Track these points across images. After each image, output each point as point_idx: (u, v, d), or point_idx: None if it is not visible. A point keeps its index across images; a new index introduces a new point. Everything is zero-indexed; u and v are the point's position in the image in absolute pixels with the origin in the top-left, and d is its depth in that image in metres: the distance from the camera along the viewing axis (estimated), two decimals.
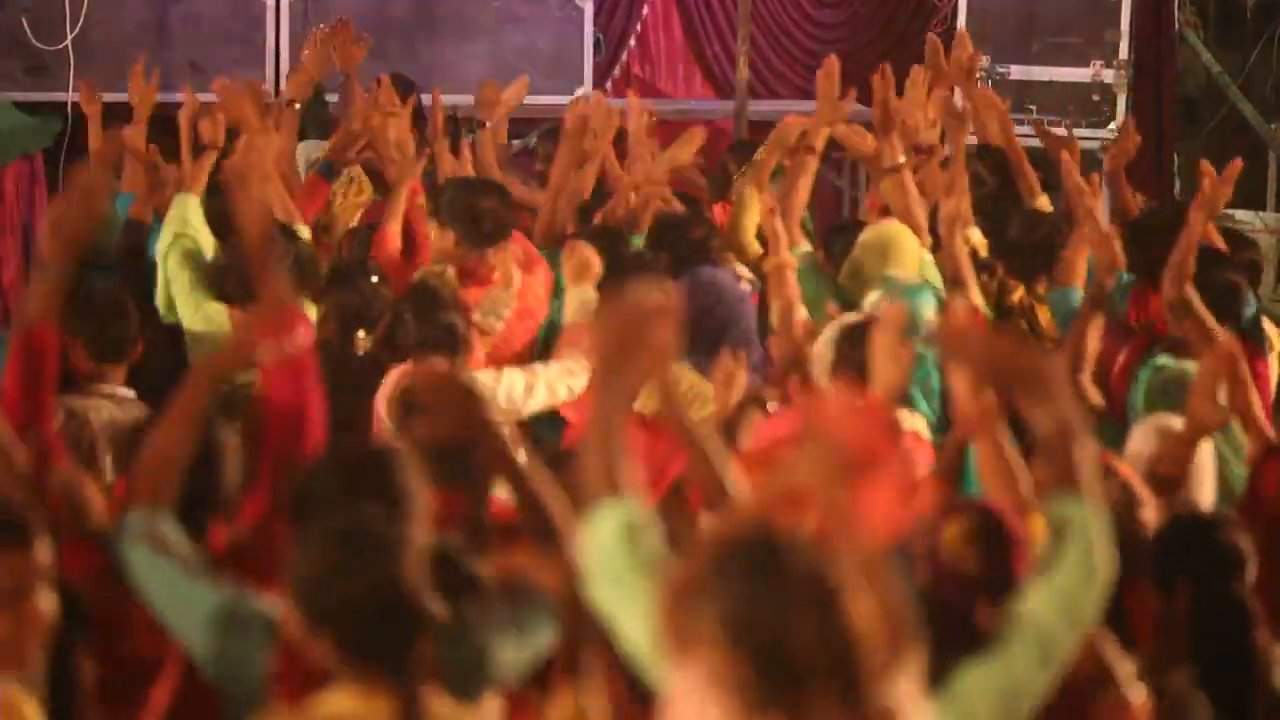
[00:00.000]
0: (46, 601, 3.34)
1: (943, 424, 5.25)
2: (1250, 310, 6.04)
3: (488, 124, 7.93)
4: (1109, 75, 11.06)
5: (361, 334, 5.84)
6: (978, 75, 8.26)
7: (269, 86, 9.69)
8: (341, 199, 7.24)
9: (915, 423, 5.17)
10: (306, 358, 4.00)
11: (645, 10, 11.84)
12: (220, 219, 6.80)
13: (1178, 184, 11.38)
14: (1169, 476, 4.64)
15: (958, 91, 8.13)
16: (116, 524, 3.76)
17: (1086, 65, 11.10)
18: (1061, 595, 3.12)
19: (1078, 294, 6.14)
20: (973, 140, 7.60)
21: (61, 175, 9.33)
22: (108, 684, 3.60)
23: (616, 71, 11.77)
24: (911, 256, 6.35)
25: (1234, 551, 4.08)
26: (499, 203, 6.47)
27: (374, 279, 6.12)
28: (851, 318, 5.40)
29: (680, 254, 6.48)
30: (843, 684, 2.43)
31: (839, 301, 6.14)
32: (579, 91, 9.88)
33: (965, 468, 4.40)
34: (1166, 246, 5.74)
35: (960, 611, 3.53)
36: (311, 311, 5.88)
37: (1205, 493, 4.79)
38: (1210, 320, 5.55)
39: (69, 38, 10.15)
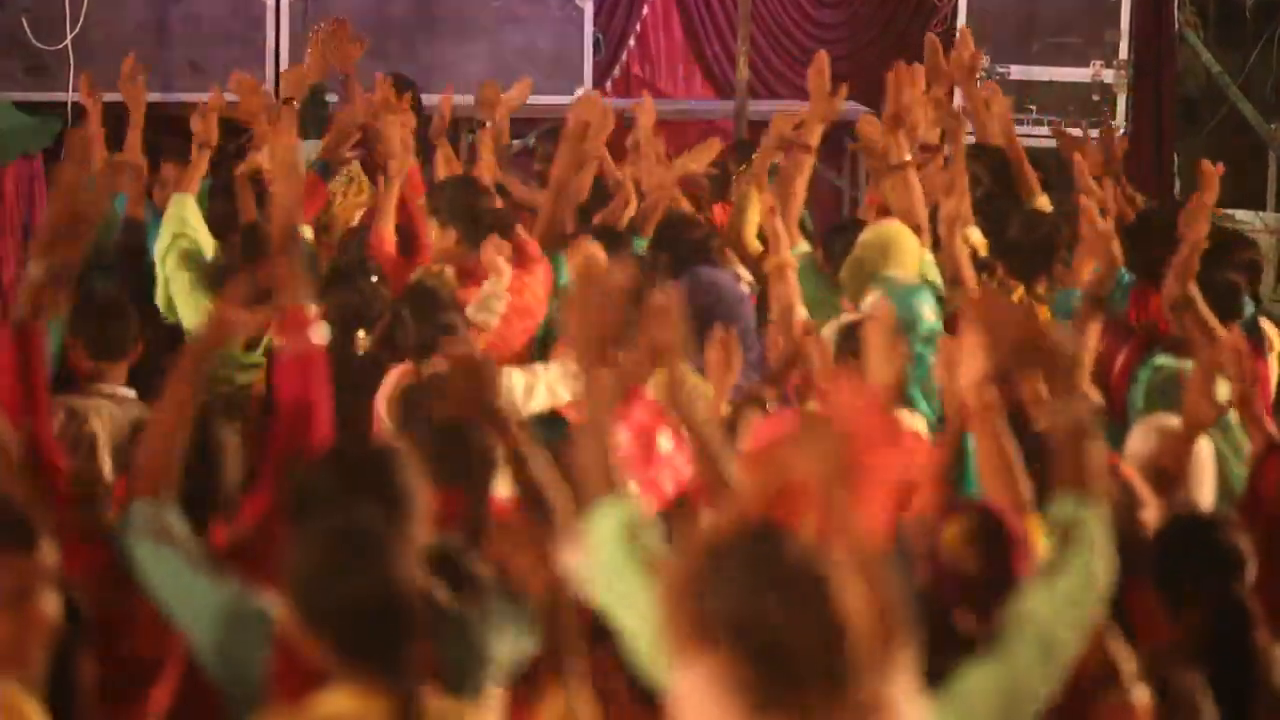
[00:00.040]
0: (50, 603, 3.34)
1: (943, 424, 5.25)
2: (1250, 310, 6.04)
3: (488, 124, 7.93)
4: (1109, 75, 11.07)
5: (361, 334, 5.84)
6: (978, 75, 8.25)
7: (269, 86, 9.69)
8: (341, 199, 7.25)
9: (915, 423, 5.17)
10: (318, 356, 4.01)
11: (645, 10, 11.84)
12: (221, 219, 6.82)
13: (1178, 184, 11.38)
14: (1168, 472, 4.64)
15: (958, 91, 8.13)
16: (121, 517, 3.76)
17: (1086, 65, 11.10)
18: (1065, 598, 3.13)
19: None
20: (969, 140, 7.60)
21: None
22: (108, 684, 3.60)
23: (616, 71, 11.78)
24: (911, 256, 6.35)
25: (1234, 551, 4.08)
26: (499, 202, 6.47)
27: (374, 279, 6.12)
28: (850, 317, 5.40)
29: (680, 254, 6.48)
30: (840, 682, 2.43)
31: (837, 302, 6.15)
32: (579, 92, 9.87)
33: (965, 468, 4.40)
34: (1166, 246, 5.75)
35: (960, 612, 3.53)
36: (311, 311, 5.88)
37: (1205, 493, 4.79)
38: (1212, 319, 5.56)
39: (69, 38, 10.15)
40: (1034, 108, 10.78)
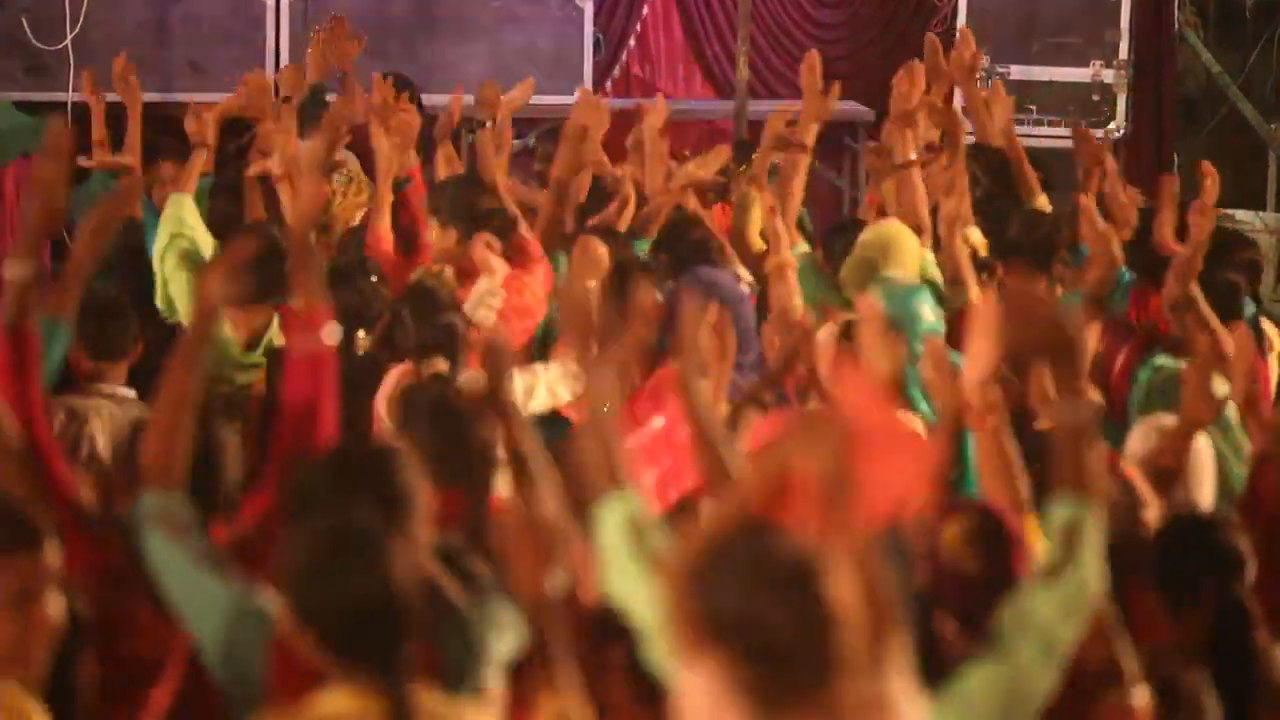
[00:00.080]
0: (54, 604, 3.34)
1: None
2: (1250, 310, 6.04)
3: (488, 124, 7.92)
4: (1109, 75, 11.07)
5: (361, 334, 5.83)
6: (978, 75, 8.25)
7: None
8: (341, 199, 7.24)
9: (915, 423, 5.17)
10: (329, 356, 4.01)
11: (645, 10, 11.84)
12: (222, 219, 6.82)
13: (1178, 184, 11.36)
14: (1167, 470, 4.64)
15: (958, 91, 8.13)
16: (130, 508, 3.75)
17: (1086, 65, 11.10)
18: (1065, 598, 3.13)
19: None
20: (970, 140, 7.60)
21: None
22: (108, 684, 3.60)
23: (616, 71, 11.77)
24: (911, 256, 6.35)
25: (1234, 551, 4.08)
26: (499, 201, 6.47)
27: (374, 279, 6.12)
28: (849, 317, 5.40)
29: (680, 254, 6.48)
30: (838, 681, 2.43)
31: (837, 302, 6.15)
32: (579, 92, 9.87)
33: (965, 468, 4.40)
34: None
35: (959, 613, 3.53)
36: None
37: (1205, 492, 4.79)
38: (1213, 319, 5.56)
39: (69, 38, 10.15)
40: (1034, 108, 10.78)
